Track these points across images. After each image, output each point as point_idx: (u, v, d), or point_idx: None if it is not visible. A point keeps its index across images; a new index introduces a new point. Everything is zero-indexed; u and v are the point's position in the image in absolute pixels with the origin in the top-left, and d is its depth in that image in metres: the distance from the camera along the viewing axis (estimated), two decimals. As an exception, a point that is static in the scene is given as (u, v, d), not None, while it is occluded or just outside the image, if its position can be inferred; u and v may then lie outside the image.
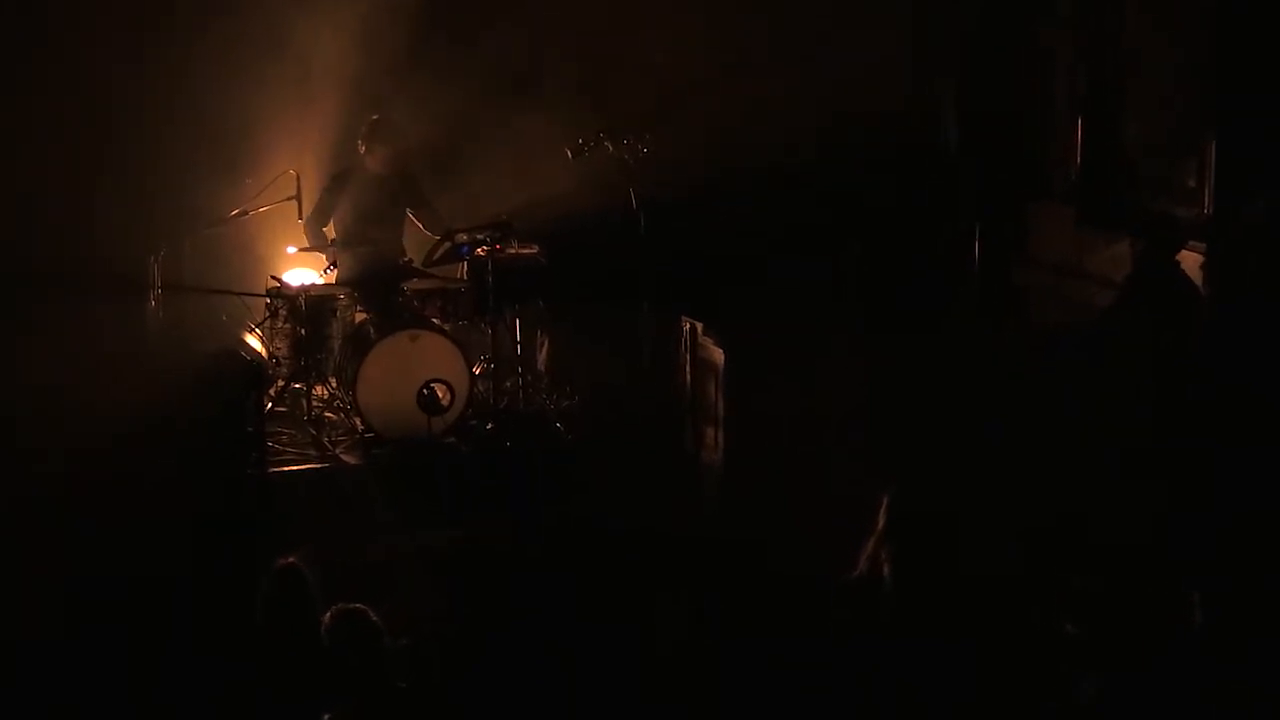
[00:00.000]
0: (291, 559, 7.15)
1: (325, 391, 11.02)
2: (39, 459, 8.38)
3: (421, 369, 10.23)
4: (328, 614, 6.74)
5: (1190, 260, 9.51)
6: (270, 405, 10.64)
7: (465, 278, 11.22)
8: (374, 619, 6.72)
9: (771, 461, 9.72)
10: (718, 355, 10.23)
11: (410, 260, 11.57)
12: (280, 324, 10.96)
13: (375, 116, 11.46)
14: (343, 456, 10.34)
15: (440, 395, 10.16)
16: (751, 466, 9.85)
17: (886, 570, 6.90)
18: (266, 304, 11.06)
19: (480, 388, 10.85)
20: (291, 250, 11.49)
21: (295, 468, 10.11)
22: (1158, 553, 8.02)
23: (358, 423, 10.47)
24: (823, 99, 11.60)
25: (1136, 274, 9.55)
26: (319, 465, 10.21)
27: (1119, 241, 10.37)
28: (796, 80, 11.71)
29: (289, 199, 11.07)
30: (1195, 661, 6.58)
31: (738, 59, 12.14)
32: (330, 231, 11.39)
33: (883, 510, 7.06)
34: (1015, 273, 12.18)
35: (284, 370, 11.02)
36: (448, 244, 10.92)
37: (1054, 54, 12.17)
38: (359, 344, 10.58)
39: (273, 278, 11.22)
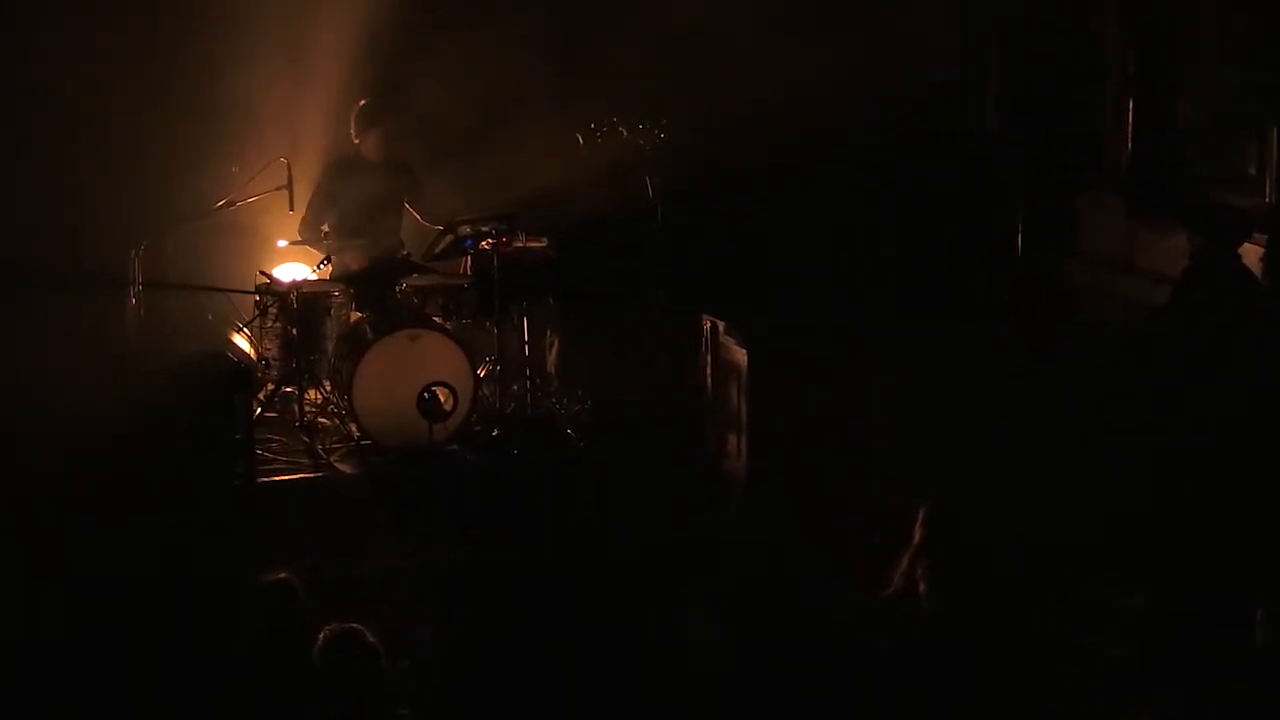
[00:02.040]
0: (282, 575, 7.15)
1: (319, 395, 11.01)
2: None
3: (422, 371, 10.22)
4: (321, 634, 6.74)
5: (1251, 253, 9.50)
6: (260, 410, 10.61)
7: (469, 273, 11.21)
8: (370, 640, 6.72)
9: (798, 470, 9.72)
10: (740, 356, 10.23)
11: (409, 254, 11.58)
12: (270, 323, 10.94)
13: (363, 100, 11.47)
14: (337, 465, 10.34)
15: (442, 399, 10.15)
16: (777, 475, 9.85)
17: (922, 587, 6.91)
18: (255, 301, 11.04)
19: (485, 391, 10.84)
20: (282, 244, 11.50)
21: (286, 477, 10.10)
22: (1213, 566, 8.03)
23: (353, 429, 10.47)
24: (857, 83, 11.58)
25: (1193, 269, 9.53)
26: (312, 475, 10.20)
27: (1174, 234, 10.35)
28: (828, 63, 11.69)
29: (279, 189, 11.04)
30: (1257, 681, 6.59)
31: (763, 39, 12.12)
32: (325, 226, 11.40)
33: (919, 523, 7.08)
34: (1061, 267, 12.16)
35: (274, 373, 11.00)
36: (450, 237, 10.92)
37: (1103, 33, 12.15)
38: (355, 344, 10.59)
39: (262, 273, 11.21)
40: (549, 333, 11.76)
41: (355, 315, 11.08)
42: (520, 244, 10.94)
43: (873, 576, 7.32)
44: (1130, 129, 11.88)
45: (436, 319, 10.88)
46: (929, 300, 11.62)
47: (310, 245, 11.28)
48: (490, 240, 10.76)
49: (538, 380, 11.35)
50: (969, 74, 12.66)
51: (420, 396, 10.11)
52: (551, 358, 11.79)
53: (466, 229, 10.83)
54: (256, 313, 11.00)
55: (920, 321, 10.68)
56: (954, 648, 6.76)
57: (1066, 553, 8.45)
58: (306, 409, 10.87)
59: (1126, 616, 7.63)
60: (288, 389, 11.02)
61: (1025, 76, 12.53)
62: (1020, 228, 11.96)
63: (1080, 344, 10.58)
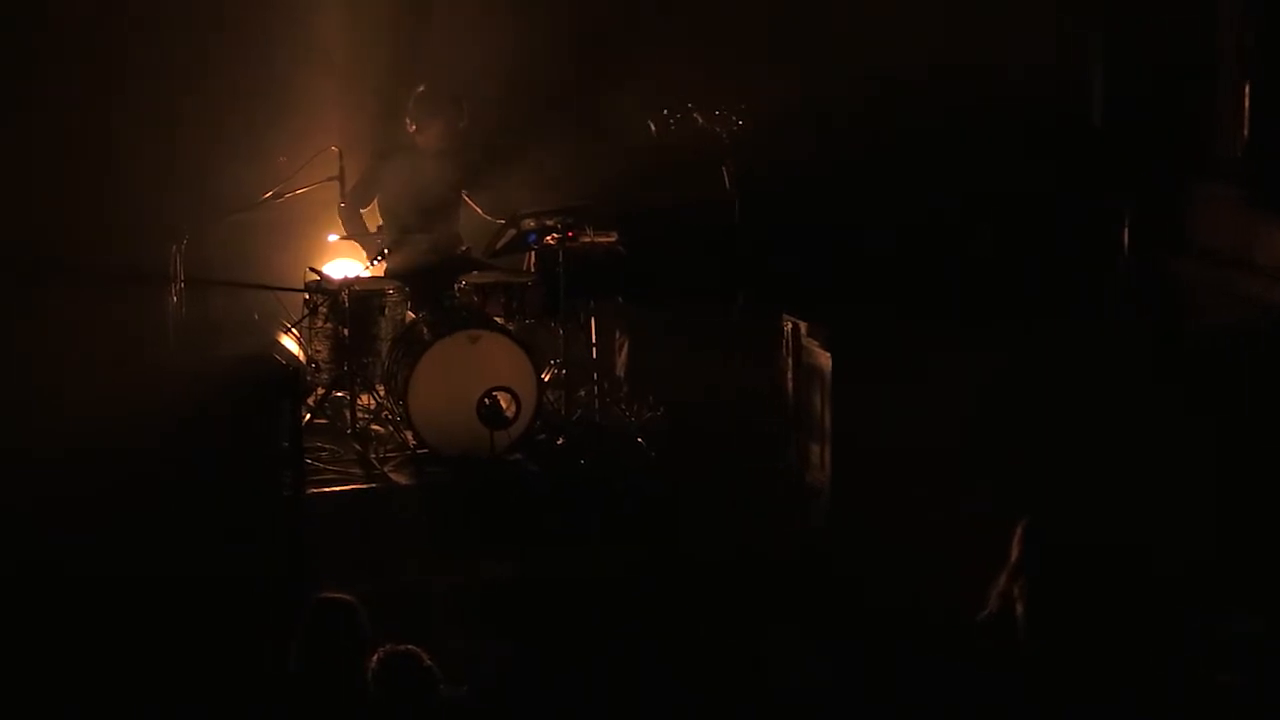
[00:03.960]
0: (333, 593, 7.18)
1: (372, 401, 11.04)
2: (35, 471, 8.44)
3: (482, 375, 10.24)
4: (374, 657, 6.77)
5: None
6: (309, 417, 10.65)
7: (532, 270, 11.24)
8: (427, 663, 6.75)
9: (887, 482, 9.69)
10: (824, 359, 10.21)
11: (469, 250, 11.61)
12: (320, 323, 10.98)
13: (422, 87, 11.50)
14: (392, 476, 10.34)
15: (504, 405, 10.18)
16: (863, 487, 9.83)
17: (1020, 609, 6.89)
18: (304, 300, 11.09)
19: (550, 397, 10.86)
20: (333, 238, 11.55)
21: (337, 488, 10.11)
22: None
23: (409, 437, 10.49)
24: (949, 68, 11.53)
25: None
26: (364, 485, 10.21)
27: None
28: (916, 42, 11.66)
29: (330, 179, 11.11)
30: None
31: (848, 22, 12.09)
32: (376, 218, 11.44)
33: (1017, 540, 7.05)
34: (1171, 263, 12.07)
35: (324, 376, 11.04)
36: (513, 231, 10.94)
37: (1217, 5, 12.05)
38: (411, 347, 10.61)
39: (311, 270, 11.25)
40: (618, 334, 11.77)
41: (411, 315, 11.11)
42: (588, 239, 10.95)
43: (967, 596, 7.29)
44: (1248, 112, 11.77)
45: (498, 319, 10.89)
46: (1027, 300, 11.55)
47: (353, 238, 11.32)
48: (555, 235, 10.77)
49: (606, 385, 11.36)
50: (1070, 55, 12.57)
51: (480, 402, 10.13)
52: (621, 361, 11.79)
53: (530, 223, 10.85)
54: (306, 312, 11.03)
55: (1018, 323, 10.62)
56: (1053, 673, 6.74)
57: (1175, 572, 8.41)
58: (359, 415, 10.90)
59: (1238, 642, 7.60)
60: (339, 394, 11.05)
61: (1130, 57, 12.43)
62: (1127, 222, 11.87)
63: (1192, 347, 10.51)
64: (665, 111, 11.11)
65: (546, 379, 10.79)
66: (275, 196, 11.22)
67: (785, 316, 10.62)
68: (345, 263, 11.43)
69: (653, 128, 11.18)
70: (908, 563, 9.03)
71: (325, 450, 10.58)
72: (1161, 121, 12.08)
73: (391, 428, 10.80)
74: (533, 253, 11.12)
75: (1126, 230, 11.86)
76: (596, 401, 11.15)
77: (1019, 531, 7.09)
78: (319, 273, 11.14)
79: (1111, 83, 12.35)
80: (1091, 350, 10.23)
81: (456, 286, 11.11)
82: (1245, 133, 11.69)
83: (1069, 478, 9.28)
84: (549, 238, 10.79)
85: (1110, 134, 12.32)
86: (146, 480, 8.57)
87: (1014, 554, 7.05)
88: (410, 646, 6.79)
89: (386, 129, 11.91)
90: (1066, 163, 12.20)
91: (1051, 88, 12.33)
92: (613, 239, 11.09)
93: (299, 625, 7.07)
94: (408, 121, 11.47)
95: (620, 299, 11.41)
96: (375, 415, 10.98)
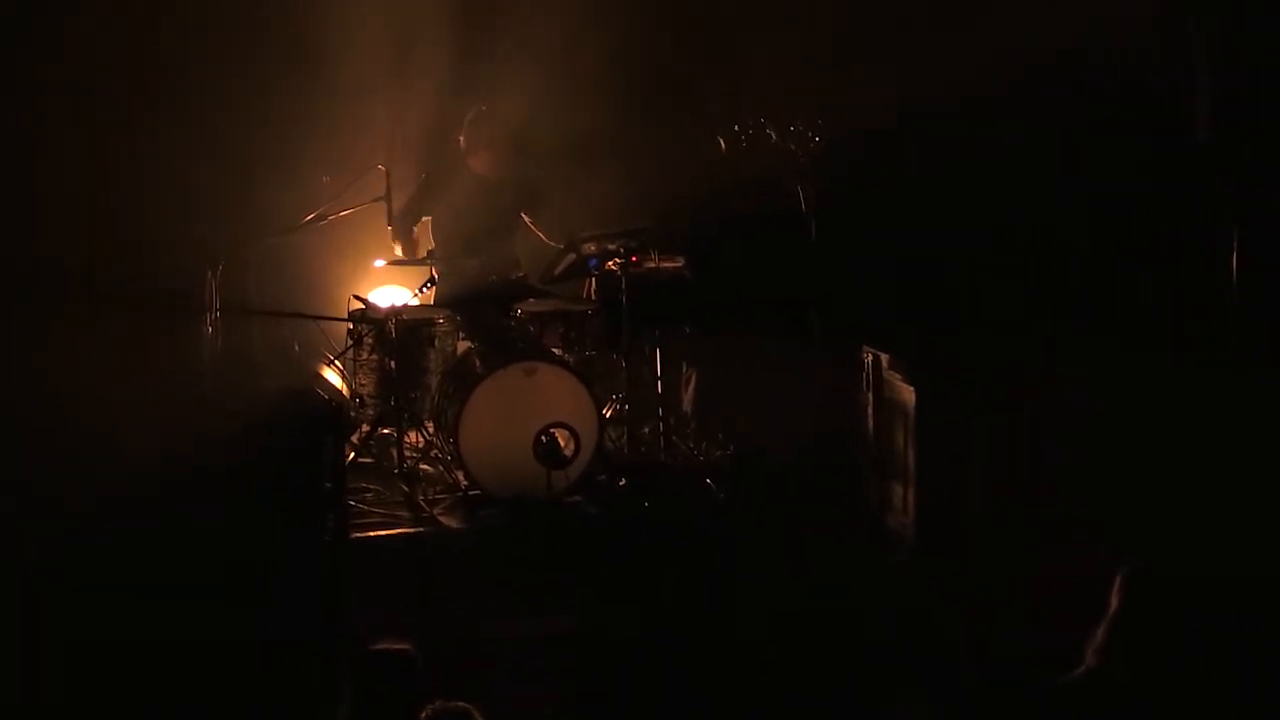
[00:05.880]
0: (390, 643, 7.18)
1: (420, 438, 11.05)
2: (58, 516, 8.47)
3: (539, 411, 10.22)
4: (422, 714, 6.76)
5: None
6: (353, 455, 10.69)
7: (593, 298, 11.23)
8: (480, 721, 6.74)
9: (975, 527, 9.64)
10: (907, 394, 10.17)
11: (525, 276, 11.60)
12: (365, 355, 11.00)
13: (482, 107, 11.48)
14: (441, 519, 10.33)
15: (562, 443, 10.16)
16: (950, 532, 9.78)
17: (1121, 664, 6.84)
18: (349, 330, 11.11)
19: (611, 434, 10.84)
20: (380, 264, 11.55)
21: (383, 533, 10.10)
22: None
23: (460, 477, 10.49)
24: (1043, 81, 11.50)
25: None
26: (412, 529, 10.19)
27: None
28: (1007, 49, 11.62)
29: (377, 200, 11.11)
30: None
31: (935, 31, 12.07)
32: (427, 241, 11.44)
33: (1117, 589, 7.00)
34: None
35: (370, 412, 11.06)
36: (572, 256, 10.94)
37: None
38: (462, 380, 10.61)
39: (356, 298, 11.27)
40: (685, 366, 11.75)
41: (463, 346, 11.11)
42: (652, 264, 10.92)
43: (1062, 651, 7.24)
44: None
45: (556, 350, 10.89)
46: (1128, 330, 11.50)
47: (405, 262, 11.34)
48: (618, 260, 10.75)
49: (672, 421, 11.33)
50: (1174, 58, 12.51)
51: (537, 440, 10.11)
52: (688, 395, 11.77)
53: (591, 247, 10.84)
54: (350, 343, 11.06)
55: (1118, 354, 10.57)
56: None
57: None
58: (406, 453, 10.90)
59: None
60: (385, 431, 11.07)
61: (1239, 71, 12.37)
62: (1235, 246, 11.80)
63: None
64: (736, 127, 11.08)
65: (608, 415, 10.80)
66: (318, 219, 11.23)
67: (865, 347, 10.58)
68: (392, 290, 11.44)
69: (723, 144, 11.15)
70: (997, 613, 8.98)
71: (370, 491, 10.59)
72: (1273, 140, 12.01)
73: (441, 467, 10.80)
74: (593, 279, 11.11)
75: (1234, 255, 11.79)
76: (661, 439, 11.12)
77: (1118, 581, 7.04)
78: (364, 300, 11.16)
79: (1220, 90, 12.28)
80: (1198, 383, 10.16)
81: (512, 315, 11.09)
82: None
83: (1174, 523, 9.21)
84: (611, 263, 10.78)
85: (1217, 154, 12.26)
86: (180, 524, 8.59)
87: (1113, 606, 7.00)
88: (461, 703, 6.77)
89: (438, 147, 11.91)
90: (1171, 181, 12.14)
91: (1152, 97, 12.27)
92: (679, 264, 11.06)
93: (351, 677, 7.09)
94: (460, 142, 11.46)
95: (687, 328, 11.39)
96: (424, 454, 10.99)
